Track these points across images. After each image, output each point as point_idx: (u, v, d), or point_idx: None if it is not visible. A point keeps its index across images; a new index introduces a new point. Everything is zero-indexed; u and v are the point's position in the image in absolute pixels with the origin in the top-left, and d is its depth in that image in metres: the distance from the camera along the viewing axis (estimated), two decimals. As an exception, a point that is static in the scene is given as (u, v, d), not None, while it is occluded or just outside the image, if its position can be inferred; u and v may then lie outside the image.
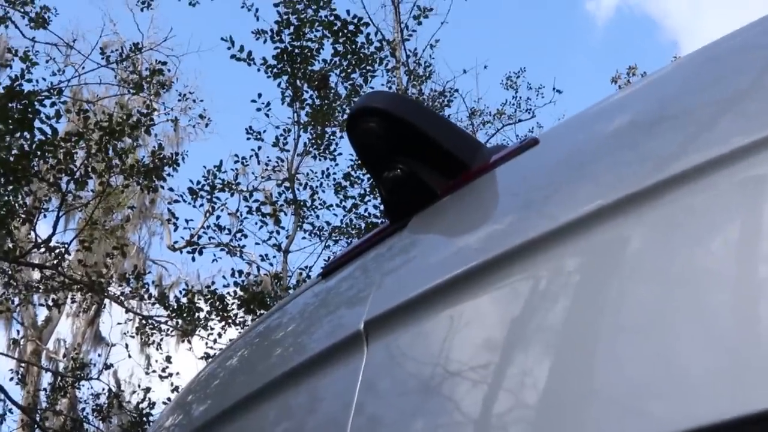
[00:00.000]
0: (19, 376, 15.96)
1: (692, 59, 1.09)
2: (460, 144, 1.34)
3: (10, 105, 9.61)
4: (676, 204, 0.77)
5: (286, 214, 14.30)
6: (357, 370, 1.02)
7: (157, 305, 14.48)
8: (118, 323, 24.02)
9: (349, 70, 13.26)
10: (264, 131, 14.05)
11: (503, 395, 0.80)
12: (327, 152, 14.36)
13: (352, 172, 14.05)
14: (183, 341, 15.19)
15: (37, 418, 14.86)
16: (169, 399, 13.64)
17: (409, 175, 1.32)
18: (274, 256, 14.53)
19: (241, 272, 13.30)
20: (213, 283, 13.92)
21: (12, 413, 15.21)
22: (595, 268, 0.81)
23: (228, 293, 13.22)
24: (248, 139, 14.10)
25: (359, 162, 13.10)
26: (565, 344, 0.78)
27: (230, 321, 13.17)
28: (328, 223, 14.55)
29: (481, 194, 1.22)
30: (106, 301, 16.28)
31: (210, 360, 1.78)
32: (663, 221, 0.78)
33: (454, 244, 1.13)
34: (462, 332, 0.92)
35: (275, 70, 13.13)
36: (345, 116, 13.22)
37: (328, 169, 14.47)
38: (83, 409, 15.21)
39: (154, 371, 14.91)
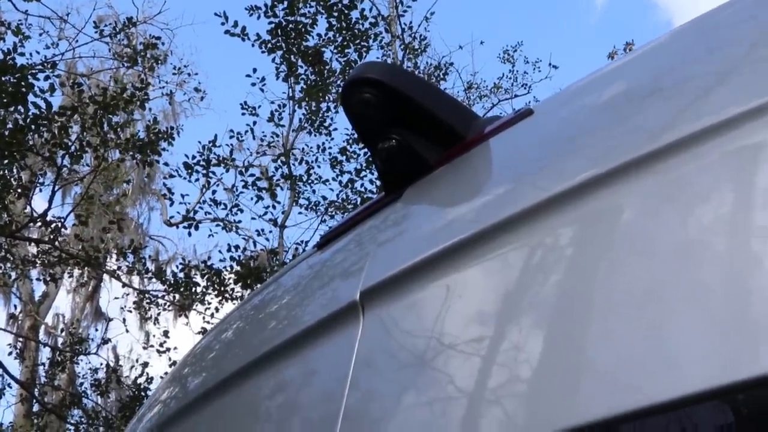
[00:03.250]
0: (18, 350, 16.00)
1: (685, 30, 1.09)
2: (454, 115, 1.34)
3: (3, 79, 9.57)
4: (669, 174, 0.78)
5: (282, 189, 14.31)
6: (353, 340, 1.02)
7: (154, 280, 14.52)
8: (116, 298, 24.11)
9: (344, 45, 13.21)
10: (259, 106, 14.08)
11: (496, 367, 0.81)
12: (322, 127, 14.35)
13: (348, 147, 14.04)
14: (180, 316, 15.22)
15: (36, 393, 14.91)
16: (166, 373, 13.68)
17: (404, 145, 1.32)
18: (270, 231, 14.60)
19: (237, 247, 13.33)
20: (209, 258, 13.91)
21: (11, 388, 15.28)
22: (588, 239, 0.82)
23: (225, 268, 13.26)
24: (243, 114, 14.08)
25: (355, 137, 13.14)
26: (558, 316, 0.78)
27: (227, 296, 13.21)
28: (324, 198, 14.58)
29: (475, 165, 1.22)
30: (105, 276, 16.30)
31: (206, 333, 1.78)
32: (655, 191, 0.78)
33: (448, 214, 1.13)
34: (455, 303, 0.93)
35: (269, 45, 13.08)
36: (340, 91, 13.21)
37: (323, 143, 14.47)
38: (82, 384, 15.28)
39: (152, 346, 14.97)
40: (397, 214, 1.26)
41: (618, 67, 1.20)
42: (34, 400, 15.47)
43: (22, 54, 10.52)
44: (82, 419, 14.43)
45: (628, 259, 0.75)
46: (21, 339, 17.36)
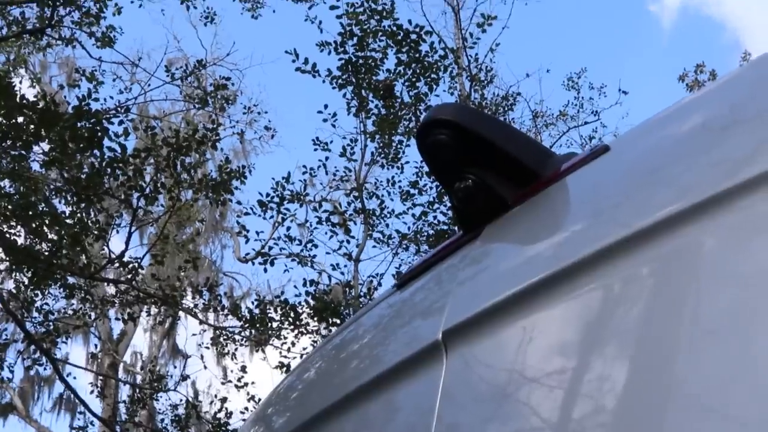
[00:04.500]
0: (99, 389, 16.23)
1: (763, 60, 1.08)
2: (530, 153, 1.35)
3: (78, 124, 9.78)
4: (752, 209, 0.77)
5: (355, 224, 14.36)
6: (437, 379, 1.02)
7: (230, 316, 14.64)
8: (193, 335, 24.36)
9: (413, 79, 13.26)
10: (331, 142, 14.13)
11: (581, 400, 0.81)
12: (395, 161, 14.39)
13: (419, 180, 14.05)
14: (257, 351, 15.31)
15: (118, 430, 15.09)
16: (246, 408, 13.78)
17: (480, 185, 1.33)
18: (345, 265, 14.62)
19: (312, 281, 13.38)
20: (283, 293, 14.00)
21: (93, 425, 15.49)
22: (670, 275, 0.81)
23: (299, 303, 13.33)
24: (315, 149, 14.18)
25: (425, 170, 13.13)
26: (642, 349, 0.78)
27: (303, 330, 13.26)
28: (397, 231, 14.58)
29: (552, 203, 1.22)
30: (181, 313, 16.49)
31: (288, 372, 1.81)
32: (738, 226, 0.77)
33: (528, 252, 1.13)
34: (538, 339, 0.92)
35: (340, 81, 13.19)
36: (411, 124, 13.26)
37: (393, 177, 14.51)
38: (162, 420, 15.43)
39: (230, 381, 15.07)
40: (476, 252, 1.26)
41: (695, 99, 1.19)
42: (117, 437, 15.65)
43: (96, 99, 10.75)
44: (164, 454, 14.56)
45: (712, 294, 0.74)
46: (101, 377, 17.62)
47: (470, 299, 1.10)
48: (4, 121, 9.69)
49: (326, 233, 13.71)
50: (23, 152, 10.42)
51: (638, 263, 0.85)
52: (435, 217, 13.88)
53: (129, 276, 12.46)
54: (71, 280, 12.63)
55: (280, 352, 13.71)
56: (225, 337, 14.77)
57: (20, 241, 11.23)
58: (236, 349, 14.78)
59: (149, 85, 14.53)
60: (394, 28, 12.71)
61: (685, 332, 0.74)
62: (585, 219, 1.07)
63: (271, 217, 13.57)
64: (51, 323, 13.08)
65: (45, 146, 10.44)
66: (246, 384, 14.41)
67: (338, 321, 11.92)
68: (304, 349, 13.55)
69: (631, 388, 0.75)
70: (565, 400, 0.82)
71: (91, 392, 15.71)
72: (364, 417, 1.19)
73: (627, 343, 0.80)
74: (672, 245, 0.83)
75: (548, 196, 1.24)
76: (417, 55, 12.88)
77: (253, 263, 15.60)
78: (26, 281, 11.92)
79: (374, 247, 15.03)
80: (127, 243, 11.82)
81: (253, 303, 14.25)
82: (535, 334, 0.94)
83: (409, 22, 12.72)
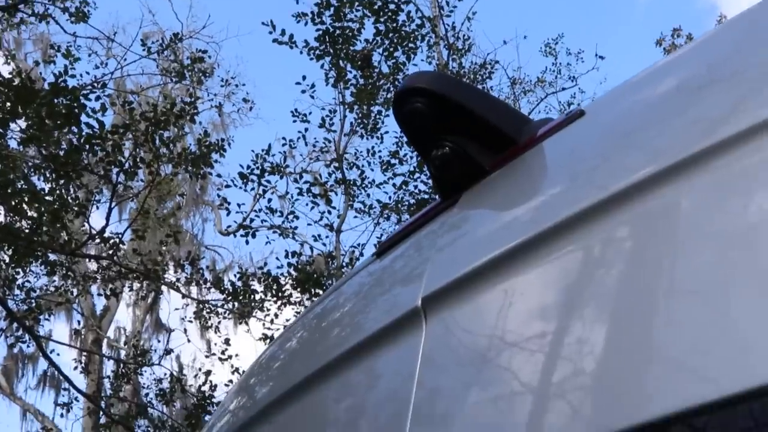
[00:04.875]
0: (82, 365, 16.24)
1: (739, 21, 1.08)
2: (506, 119, 1.35)
3: (55, 101, 9.72)
4: (728, 168, 0.77)
5: (336, 194, 14.37)
6: (417, 345, 1.03)
7: (213, 289, 14.65)
8: (176, 309, 24.39)
9: (391, 49, 13.23)
10: (309, 113, 14.10)
11: (561, 363, 0.81)
12: (374, 131, 14.38)
13: (399, 150, 14.06)
14: (240, 323, 15.34)
15: (102, 405, 15.10)
16: (230, 381, 13.82)
17: (457, 152, 1.34)
18: (327, 236, 14.64)
19: (294, 253, 13.40)
20: (266, 264, 14.03)
21: (78, 401, 15.50)
22: (648, 235, 0.81)
23: (282, 274, 13.35)
24: (294, 121, 14.15)
25: (405, 140, 13.10)
26: (621, 311, 0.78)
27: (286, 301, 13.29)
28: (378, 201, 14.60)
29: (529, 168, 1.23)
30: (164, 288, 16.48)
31: (270, 342, 1.81)
32: (715, 186, 0.77)
33: (505, 217, 1.13)
34: (518, 304, 0.93)
35: (317, 51, 13.14)
36: (390, 94, 13.24)
37: (373, 147, 14.51)
38: (147, 395, 15.47)
39: (214, 354, 15.11)
40: (454, 219, 1.27)
41: (670, 61, 1.19)
42: (101, 413, 15.66)
43: (73, 76, 10.67)
44: (149, 429, 14.58)
45: (690, 254, 0.75)
46: (85, 353, 17.60)
47: (449, 265, 1.11)
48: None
49: (307, 204, 13.71)
50: (0, 130, 10.35)
51: (615, 225, 0.86)
52: (416, 187, 13.92)
53: (110, 252, 12.44)
54: (52, 257, 12.60)
55: (264, 324, 13.74)
56: (208, 310, 14.79)
57: (-1, 219, 11.19)
58: (219, 322, 14.81)
59: (125, 59, 14.42)
60: (371, -2, 12.67)
61: (662, 293, 0.75)
62: (562, 183, 1.07)
63: (252, 189, 13.57)
64: (33, 300, 13.06)
65: (22, 123, 10.38)
66: (230, 357, 14.45)
67: (321, 292, 11.95)
68: (288, 320, 13.57)
69: (611, 349, 0.76)
70: (545, 364, 0.83)
71: (75, 368, 15.72)
72: (347, 384, 1.20)
73: (605, 305, 0.80)
74: (649, 206, 0.83)
75: (525, 161, 1.24)
76: (394, 25, 12.84)
77: (235, 236, 15.61)
78: (7, 259, 11.87)
79: (355, 217, 15.08)
80: (107, 218, 11.80)
81: (235, 276, 14.28)
82: (514, 299, 0.94)
83: (386, -9, 12.68)
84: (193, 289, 15.68)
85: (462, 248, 1.16)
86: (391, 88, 13.55)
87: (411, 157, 13.94)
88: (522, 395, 0.84)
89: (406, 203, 13.97)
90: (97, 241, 12.27)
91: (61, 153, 10.39)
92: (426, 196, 13.41)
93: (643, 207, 0.84)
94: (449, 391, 0.96)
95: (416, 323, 1.06)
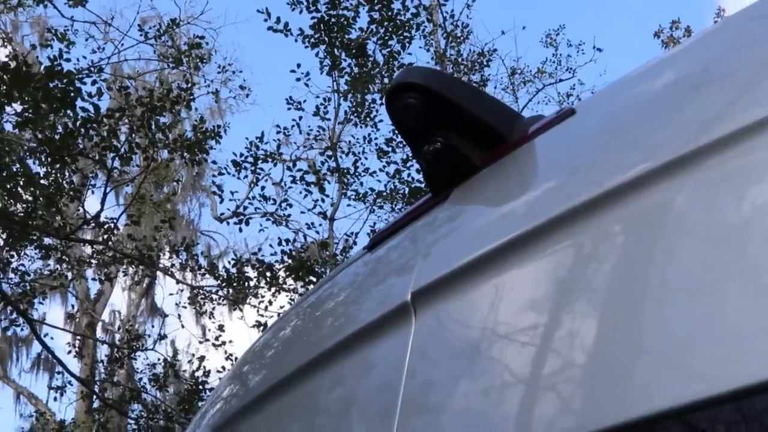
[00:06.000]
0: (76, 349, 16.25)
1: (737, 19, 1.07)
2: (498, 116, 1.36)
3: (51, 84, 9.70)
4: (722, 167, 0.77)
5: (329, 183, 14.37)
6: (406, 338, 1.04)
7: (207, 275, 14.67)
8: (170, 294, 24.39)
9: (386, 38, 13.21)
10: (304, 101, 14.09)
11: (550, 358, 0.81)
12: (368, 119, 14.38)
13: (394, 137, 14.05)
14: (234, 309, 15.37)
15: (96, 389, 15.13)
16: (223, 367, 13.84)
17: (449, 147, 1.34)
18: (320, 224, 14.64)
19: (288, 241, 13.42)
20: (260, 249, 14.00)
21: (71, 385, 15.54)
22: (641, 233, 0.82)
23: (276, 261, 13.36)
24: (289, 109, 14.14)
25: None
26: (612, 307, 0.79)
27: (279, 289, 13.30)
28: (372, 189, 14.60)
29: (521, 164, 1.23)
30: (159, 273, 16.48)
31: (264, 330, 1.82)
32: (708, 185, 0.77)
33: (497, 213, 1.14)
34: (508, 299, 0.93)
35: (312, 40, 13.13)
36: (384, 83, 13.23)
37: (369, 134, 14.51)
38: (140, 379, 15.47)
39: (208, 340, 15.13)
40: (446, 214, 1.27)
41: (664, 59, 1.19)
42: (95, 397, 15.68)
43: (68, 60, 10.65)
44: (142, 413, 14.60)
45: (682, 252, 0.75)
46: (79, 337, 17.60)
47: (439, 260, 1.12)
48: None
49: (301, 192, 13.71)
50: (-4, 113, 10.34)
51: (607, 222, 0.86)
52: (409, 175, 13.91)
53: (105, 236, 12.44)
54: (47, 240, 12.60)
55: (258, 311, 13.77)
56: (202, 296, 14.80)
57: (-6, 203, 11.19)
58: (214, 309, 14.83)
59: (123, 44, 14.39)
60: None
61: (654, 290, 0.75)
62: (553, 179, 1.07)
63: (245, 177, 13.57)
64: (27, 284, 13.06)
65: (18, 107, 10.36)
66: (224, 343, 14.48)
67: (314, 279, 11.95)
68: (281, 307, 13.60)
69: (601, 344, 0.76)
70: (535, 358, 0.83)
71: (69, 352, 15.73)
72: (340, 375, 1.21)
73: (596, 301, 0.81)
74: (642, 204, 0.83)
75: (516, 158, 1.25)
76: (389, 14, 12.82)
77: (229, 223, 15.61)
78: (1, 242, 11.88)
79: (349, 205, 15.07)
80: (102, 203, 11.80)
81: (230, 262, 14.29)
82: (504, 294, 0.94)
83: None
84: (188, 275, 15.69)
85: (452, 243, 1.16)
86: (386, 77, 13.55)
87: (405, 145, 13.92)
88: (510, 389, 0.85)
89: (400, 191, 13.97)
90: (92, 225, 12.28)
91: (57, 137, 10.38)
92: (420, 185, 13.41)
93: (636, 204, 0.84)
94: (438, 383, 0.97)
95: (406, 317, 1.07)
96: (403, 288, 1.12)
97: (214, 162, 13.95)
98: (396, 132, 13.68)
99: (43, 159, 11.17)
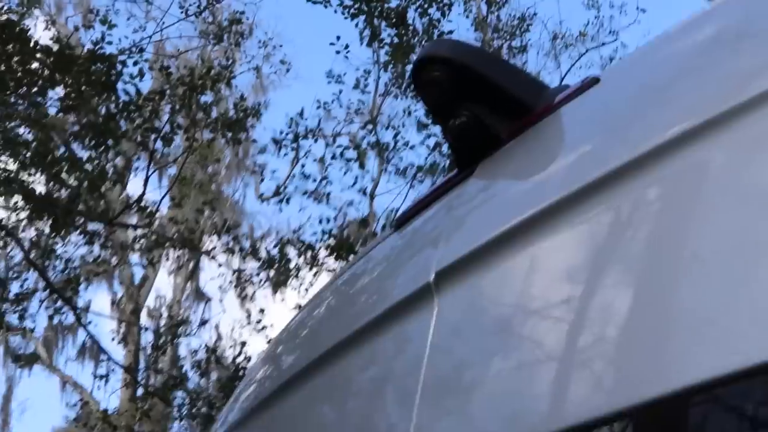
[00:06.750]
0: (121, 336, 16.31)
1: None
2: (523, 86, 1.36)
3: (93, 68, 9.73)
4: (760, 124, 0.74)
5: (369, 158, 14.32)
6: (429, 317, 1.05)
7: (250, 257, 14.67)
8: (211, 278, 24.43)
9: (426, 6, 13.07)
10: (344, 74, 14.01)
11: (586, 328, 0.82)
12: (408, 90, 14.26)
13: (435, 108, 13.94)
14: (276, 292, 15.36)
15: (139, 377, 15.18)
16: (262, 352, 13.81)
17: (475, 120, 1.33)
18: (360, 202, 14.59)
19: (328, 219, 13.39)
20: (299, 228, 13.97)
21: (115, 372, 15.53)
22: (677, 196, 0.81)
23: (317, 241, 13.34)
24: (329, 83, 14.10)
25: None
26: (648, 274, 0.78)
27: (320, 270, 13.28)
28: (412, 165, 14.52)
29: (547, 135, 1.23)
30: (203, 256, 16.53)
31: (300, 309, 1.83)
32: (748, 142, 0.75)
33: (526, 184, 1.15)
34: (539, 270, 0.94)
35: (352, 10, 12.99)
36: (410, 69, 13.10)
37: (409, 107, 14.41)
38: (182, 367, 15.38)
39: (249, 324, 15.13)
40: (471, 189, 1.28)
41: (700, 16, 1.15)
42: (138, 384, 15.70)
43: (110, 42, 10.66)
44: (185, 400, 14.54)
45: (720, 215, 0.73)
46: (123, 324, 17.66)
47: (465, 236, 1.13)
48: (20, 68, 9.65)
49: (341, 169, 13.66)
50: (40, 98, 10.37)
51: (644, 186, 0.84)
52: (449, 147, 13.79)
53: (147, 220, 12.47)
54: (91, 226, 12.61)
55: (298, 293, 13.74)
56: (245, 279, 14.81)
57: (39, 189, 11.21)
58: (255, 292, 14.82)
59: (164, 22, 14.34)
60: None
61: (690, 258, 0.74)
62: (584, 146, 1.07)
63: (285, 154, 13.52)
64: (71, 271, 13.08)
65: (60, 91, 10.38)
66: (264, 327, 14.44)
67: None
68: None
69: (636, 314, 0.76)
70: (560, 333, 0.84)
71: (113, 339, 15.80)
72: (370, 354, 1.23)
73: (633, 267, 0.80)
74: (679, 165, 0.81)
75: (541, 129, 1.25)
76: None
77: (268, 203, 15.59)
78: (46, 230, 11.91)
79: (389, 181, 15.02)
80: (144, 185, 11.81)
81: (272, 243, 14.28)
82: (536, 265, 0.95)
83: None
84: (231, 258, 15.68)
85: (479, 218, 1.18)
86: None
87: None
88: (537, 365, 0.85)
89: (441, 165, 13.87)
90: (135, 209, 12.30)
91: (99, 121, 10.41)
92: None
93: (672, 166, 0.82)
94: (462, 362, 0.98)
95: (428, 297, 1.08)
96: (426, 268, 1.13)
97: (254, 141, 13.89)
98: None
99: (86, 143, 11.18)
